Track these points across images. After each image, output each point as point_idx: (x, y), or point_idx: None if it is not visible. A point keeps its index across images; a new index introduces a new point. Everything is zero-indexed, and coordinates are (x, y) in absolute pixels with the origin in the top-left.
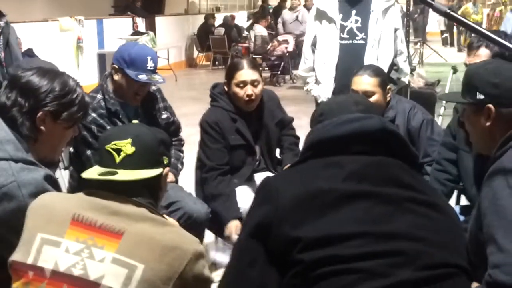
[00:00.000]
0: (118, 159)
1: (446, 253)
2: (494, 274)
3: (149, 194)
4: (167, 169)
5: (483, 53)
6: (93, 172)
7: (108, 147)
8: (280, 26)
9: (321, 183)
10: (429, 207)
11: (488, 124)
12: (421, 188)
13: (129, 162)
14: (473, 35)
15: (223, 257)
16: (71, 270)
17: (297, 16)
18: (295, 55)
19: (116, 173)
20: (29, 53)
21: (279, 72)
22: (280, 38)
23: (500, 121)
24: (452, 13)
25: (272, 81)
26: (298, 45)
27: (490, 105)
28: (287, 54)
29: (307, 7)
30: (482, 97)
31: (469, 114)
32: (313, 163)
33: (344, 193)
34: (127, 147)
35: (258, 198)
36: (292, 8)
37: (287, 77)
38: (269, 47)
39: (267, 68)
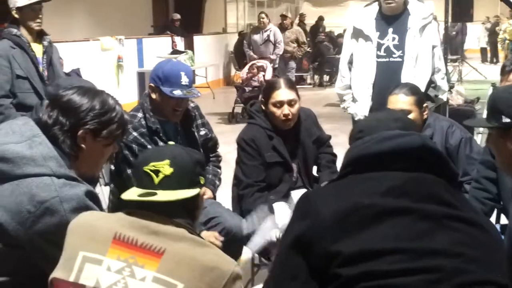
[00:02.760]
0: (156, 180)
1: (485, 270)
2: None
3: (187, 214)
4: (203, 188)
5: None
6: (132, 194)
7: (146, 168)
8: (246, 50)
9: (360, 198)
10: (468, 224)
11: None
12: (460, 206)
13: (168, 183)
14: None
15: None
16: None
17: (268, 36)
18: None
19: (155, 194)
20: (77, 72)
21: None
22: (256, 63)
23: None
24: None
25: (245, 117)
26: (277, 73)
27: None
28: (264, 84)
29: (284, 27)
30: (507, 120)
31: (495, 138)
32: (353, 179)
33: (384, 209)
34: (165, 168)
35: (298, 213)
36: (259, 28)
37: None
38: (243, 74)
39: (240, 101)
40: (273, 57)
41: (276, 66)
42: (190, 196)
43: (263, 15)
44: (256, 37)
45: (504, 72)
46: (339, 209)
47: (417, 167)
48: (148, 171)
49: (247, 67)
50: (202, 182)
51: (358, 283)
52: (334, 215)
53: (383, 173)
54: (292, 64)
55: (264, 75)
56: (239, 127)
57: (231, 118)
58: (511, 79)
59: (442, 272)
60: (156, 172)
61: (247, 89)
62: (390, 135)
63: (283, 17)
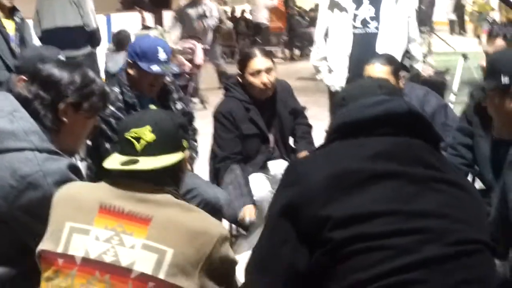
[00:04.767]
0: (138, 147)
1: (471, 229)
2: None
3: (171, 179)
4: (187, 152)
5: (499, 43)
6: (115, 162)
7: (127, 135)
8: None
9: (348, 163)
10: (453, 186)
11: None
12: (445, 169)
13: (150, 149)
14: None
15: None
16: (102, 257)
17: (204, 11)
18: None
19: (137, 161)
20: None
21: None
22: (181, 44)
23: None
24: None
25: None
26: (212, 54)
27: None
28: (196, 71)
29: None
30: (506, 80)
31: (493, 98)
32: (340, 145)
33: (372, 173)
34: (147, 134)
35: (285, 180)
36: (195, 2)
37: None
38: None
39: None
40: (207, 36)
41: (208, 47)
42: (173, 162)
43: None
44: (191, 11)
45: (491, 35)
46: (328, 174)
47: (403, 132)
48: (130, 138)
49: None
50: (185, 145)
51: (350, 245)
52: (323, 180)
53: (370, 138)
54: (217, 48)
55: (191, 59)
56: (213, 101)
57: None
58: (498, 45)
59: (432, 232)
60: (138, 138)
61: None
62: (376, 101)
63: None
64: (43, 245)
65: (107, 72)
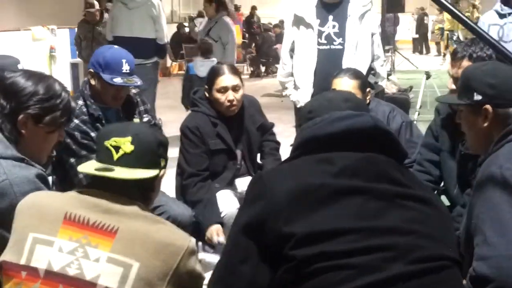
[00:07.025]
0: (116, 156)
1: (437, 245)
2: (478, 267)
3: (141, 195)
4: (163, 171)
5: (465, 64)
6: (90, 167)
7: (107, 143)
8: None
9: (313, 179)
10: (420, 202)
11: (485, 124)
12: (411, 184)
13: (127, 160)
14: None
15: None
16: (66, 270)
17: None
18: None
19: (112, 169)
20: None
21: None
22: None
23: (497, 121)
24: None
25: None
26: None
27: (488, 106)
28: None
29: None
30: (479, 98)
31: (466, 115)
32: (305, 160)
33: (336, 189)
34: (126, 145)
35: (250, 194)
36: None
37: None
38: None
39: None
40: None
41: None
42: (147, 177)
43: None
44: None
45: (456, 58)
46: (292, 190)
47: (368, 147)
48: (109, 146)
49: None
50: (162, 164)
51: (313, 263)
52: (287, 197)
53: (336, 153)
54: None
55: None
56: (179, 117)
57: None
58: (463, 66)
59: (396, 249)
60: (117, 148)
61: None
62: (341, 116)
63: None
64: (5, 256)
65: (196, 76)
